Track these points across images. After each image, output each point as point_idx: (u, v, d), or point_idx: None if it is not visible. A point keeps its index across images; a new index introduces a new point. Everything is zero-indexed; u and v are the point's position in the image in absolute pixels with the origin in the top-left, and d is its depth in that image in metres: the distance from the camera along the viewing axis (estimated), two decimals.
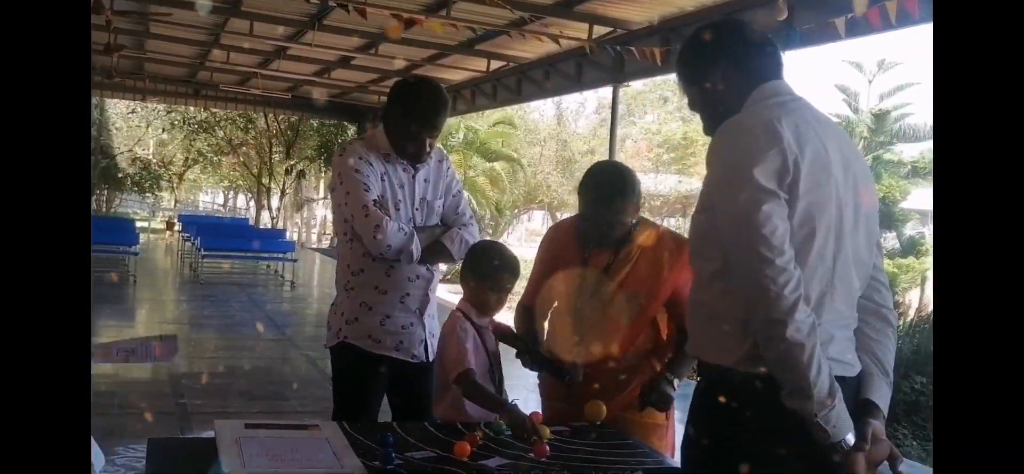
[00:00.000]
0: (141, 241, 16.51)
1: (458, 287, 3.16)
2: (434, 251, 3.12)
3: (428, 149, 3.10)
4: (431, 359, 3.17)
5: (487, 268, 2.99)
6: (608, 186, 2.87)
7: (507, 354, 3.05)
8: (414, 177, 3.14)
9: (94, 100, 25.21)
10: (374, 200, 3.01)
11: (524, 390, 3.13)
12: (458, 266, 3.15)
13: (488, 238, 3.42)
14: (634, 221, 2.93)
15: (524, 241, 32.42)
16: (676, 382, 2.86)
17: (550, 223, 31.93)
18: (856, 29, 5.59)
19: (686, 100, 2.23)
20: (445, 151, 3.34)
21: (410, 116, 3.05)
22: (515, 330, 3.10)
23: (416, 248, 3.02)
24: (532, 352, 2.92)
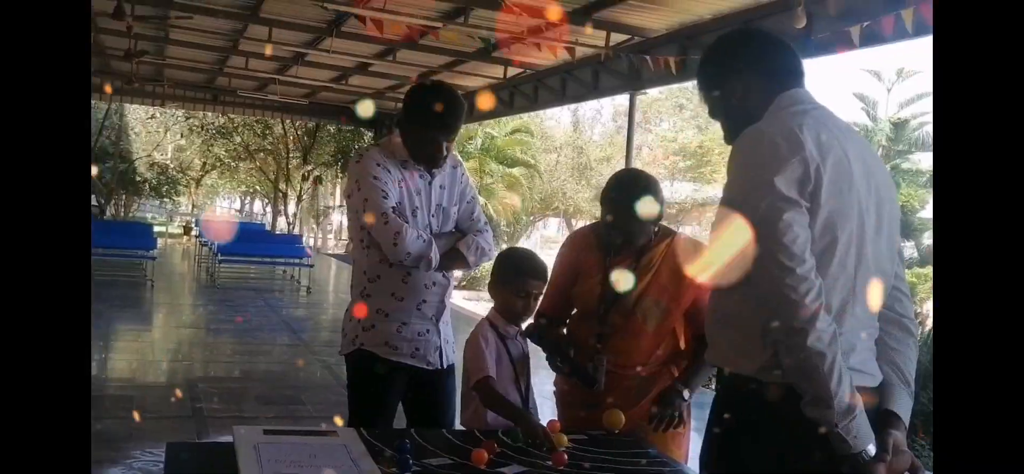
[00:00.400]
0: (159, 245, 16.59)
1: (474, 294, 3.16)
2: (451, 258, 3.12)
3: (445, 153, 3.10)
4: (445, 365, 3.17)
5: (512, 273, 2.99)
6: (633, 195, 2.87)
7: (539, 364, 3.04)
8: (430, 184, 3.14)
9: (113, 105, 25.40)
10: (392, 207, 3.01)
11: (540, 397, 3.12)
12: (474, 272, 3.16)
13: (506, 245, 3.43)
14: (655, 228, 2.93)
15: (540, 248, 32.41)
16: (687, 392, 2.84)
17: (566, 230, 31.91)
18: (872, 38, 5.57)
19: (707, 108, 2.23)
20: (459, 157, 3.35)
21: (428, 121, 3.04)
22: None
23: (435, 255, 3.02)
24: (562, 355, 2.92)
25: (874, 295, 2.01)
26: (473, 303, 14.43)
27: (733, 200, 1.98)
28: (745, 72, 2.09)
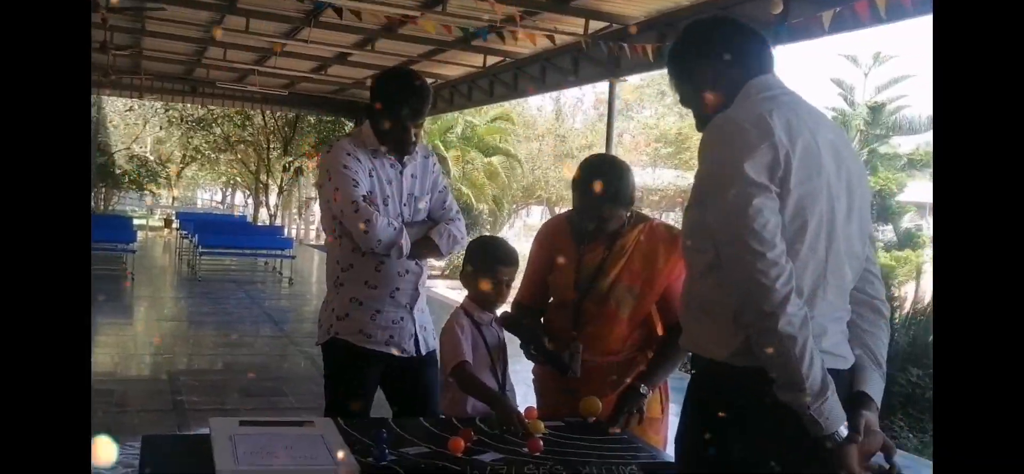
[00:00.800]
0: (139, 238, 16.49)
1: (455, 283, 3.18)
2: (423, 246, 3.16)
3: (414, 138, 3.14)
4: (423, 353, 3.19)
5: (482, 261, 3.01)
6: (601, 179, 2.87)
7: (516, 353, 3.05)
8: (402, 173, 3.18)
9: (91, 97, 25.15)
10: (363, 196, 3.04)
11: (521, 385, 3.13)
12: (452, 261, 3.18)
13: (487, 233, 3.45)
14: (628, 214, 2.93)
15: (522, 236, 32.40)
16: (645, 388, 2.83)
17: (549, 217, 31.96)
18: (844, 24, 5.60)
19: (678, 97, 2.23)
20: (430, 148, 3.39)
21: (394, 107, 3.08)
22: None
23: (405, 243, 3.05)
24: (536, 344, 2.92)
25: (845, 278, 2.02)
26: (456, 292, 14.38)
27: (703, 187, 2.00)
28: (715, 60, 2.09)
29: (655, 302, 2.93)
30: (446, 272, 20.69)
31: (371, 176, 3.11)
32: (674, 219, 26.04)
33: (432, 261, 3.34)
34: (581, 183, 2.89)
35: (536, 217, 40.66)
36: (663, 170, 34.94)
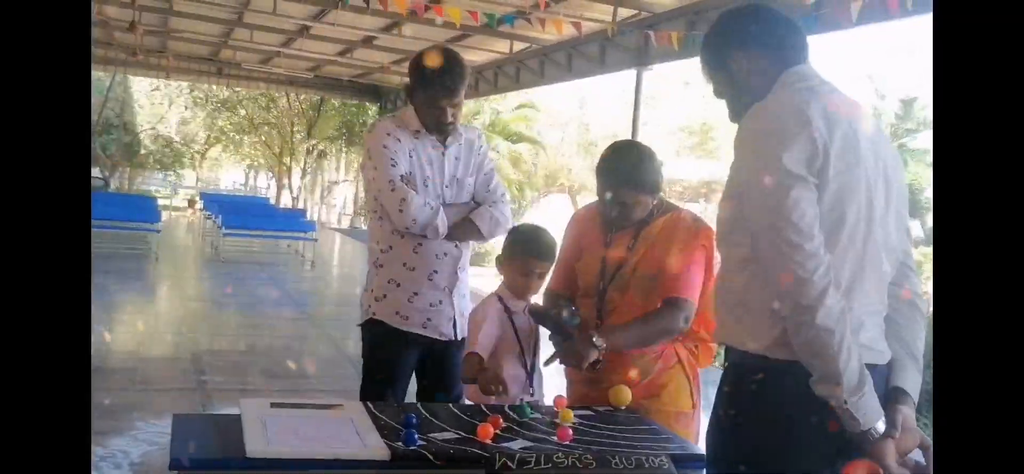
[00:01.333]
0: (163, 219, 16.60)
1: (477, 269, 3.17)
2: (463, 228, 3.15)
3: (451, 118, 3.12)
4: (460, 337, 3.19)
5: (515, 251, 3.00)
6: (624, 165, 2.83)
7: (547, 344, 3.03)
8: (444, 154, 3.17)
9: (118, 77, 25.35)
10: (401, 176, 3.05)
11: (549, 373, 3.11)
12: (480, 247, 3.17)
13: (529, 223, 3.41)
14: (655, 202, 2.89)
15: (546, 224, 32.23)
16: (597, 339, 2.72)
17: (572, 206, 31.83)
18: (873, 15, 5.55)
19: (711, 87, 2.20)
20: (480, 131, 3.39)
21: (428, 85, 3.08)
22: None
23: (441, 223, 3.05)
24: (563, 333, 2.88)
25: (883, 271, 2.00)
26: (475, 278, 14.15)
27: (740, 178, 1.97)
28: (750, 49, 2.06)
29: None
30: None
31: (411, 157, 3.10)
32: (698, 210, 25.88)
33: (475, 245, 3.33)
34: (604, 168, 2.86)
35: (558, 205, 40.60)
36: (688, 161, 34.69)
